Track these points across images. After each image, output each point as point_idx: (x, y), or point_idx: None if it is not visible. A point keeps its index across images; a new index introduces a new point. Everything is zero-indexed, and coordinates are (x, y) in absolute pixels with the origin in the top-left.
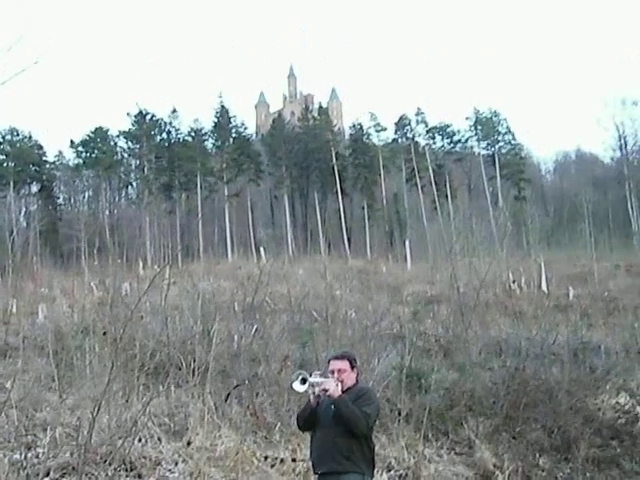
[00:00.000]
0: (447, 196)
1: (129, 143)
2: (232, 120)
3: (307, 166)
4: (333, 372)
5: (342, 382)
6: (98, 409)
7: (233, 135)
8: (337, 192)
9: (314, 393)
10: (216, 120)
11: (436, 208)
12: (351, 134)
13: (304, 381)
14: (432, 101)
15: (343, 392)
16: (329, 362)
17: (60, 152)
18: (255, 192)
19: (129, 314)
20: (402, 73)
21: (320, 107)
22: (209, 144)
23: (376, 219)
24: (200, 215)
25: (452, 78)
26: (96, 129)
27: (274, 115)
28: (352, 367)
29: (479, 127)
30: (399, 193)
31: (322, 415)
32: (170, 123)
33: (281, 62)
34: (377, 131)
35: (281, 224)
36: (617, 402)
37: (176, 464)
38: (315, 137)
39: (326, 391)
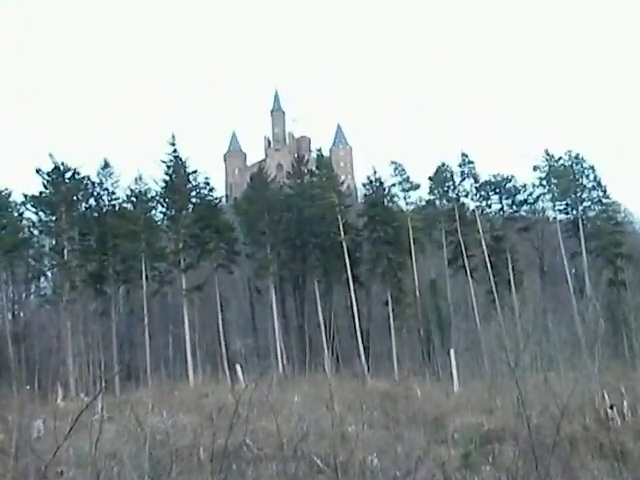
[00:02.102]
0: (509, 282)
1: (40, 213)
2: (191, 178)
3: (303, 244)
4: None
5: None
6: None
7: (193, 200)
8: (347, 281)
9: None
10: (167, 178)
11: (494, 300)
12: (366, 195)
13: None
14: (483, 144)
15: None
16: None
17: None
18: (227, 283)
19: (43, 468)
20: (438, 105)
21: (319, 155)
22: (158, 214)
23: (406, 319)
24: (147, 318)
25: (511, 110)
26: None
27: (252, 169)
28: None
29: (554, 180)
30: (439, 280)
31: None
32: (100, 184)
33: (262, 90)
34: (405, 190)
35: (266, 328)
36: None
37: None
38: (313, 200)
39: None
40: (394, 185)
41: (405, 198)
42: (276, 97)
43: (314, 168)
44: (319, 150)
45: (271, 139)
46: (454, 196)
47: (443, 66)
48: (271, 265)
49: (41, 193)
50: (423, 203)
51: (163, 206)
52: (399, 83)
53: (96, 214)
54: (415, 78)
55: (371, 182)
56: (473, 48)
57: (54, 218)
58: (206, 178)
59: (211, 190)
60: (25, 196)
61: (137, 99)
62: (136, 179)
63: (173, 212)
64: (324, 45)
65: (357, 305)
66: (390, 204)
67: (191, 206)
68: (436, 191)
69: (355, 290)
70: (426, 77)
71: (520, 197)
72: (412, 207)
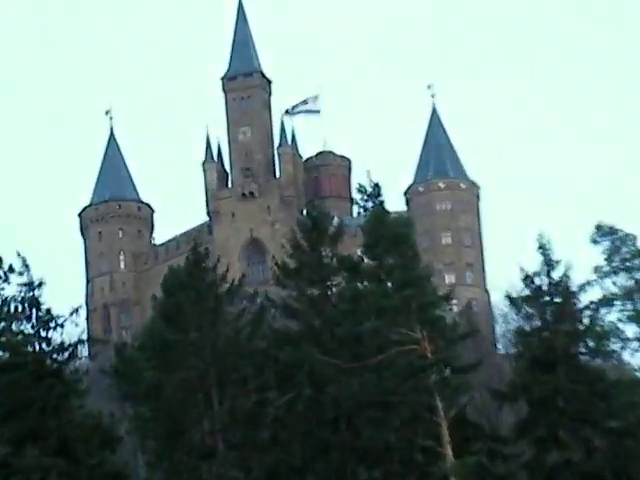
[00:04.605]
0: None
1: None
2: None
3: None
4: None
5: None
6: None
7: None
8: None
9: None
10: None
11: None
12: (524, 333)
13: None
14: None
15: None
16: None
17: None
18: None
19: None
20: None
21: (378, 209)
22: None
23: None
24: None
25: None
26: None
27: (174, 256)
28: None
29: None
30: None
31: None
32: None
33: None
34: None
35: None
36: None
37: None
38: (366, 353)
39: None
40: (612, 302)
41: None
42: (240, 18)
43: (360, 252)
44: (374, 194)
45: (226, 159)
46: None
47: None
48: None
49: None
50: None
51: None
52: None
53: None
54: None
55: (540, 293)
56: None
57: None
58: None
59: (51, 325)
60: None
61: None
62: None
63: None
64: None
65: None
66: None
67: None
68: None
69: None
70: None
71: None
72: None
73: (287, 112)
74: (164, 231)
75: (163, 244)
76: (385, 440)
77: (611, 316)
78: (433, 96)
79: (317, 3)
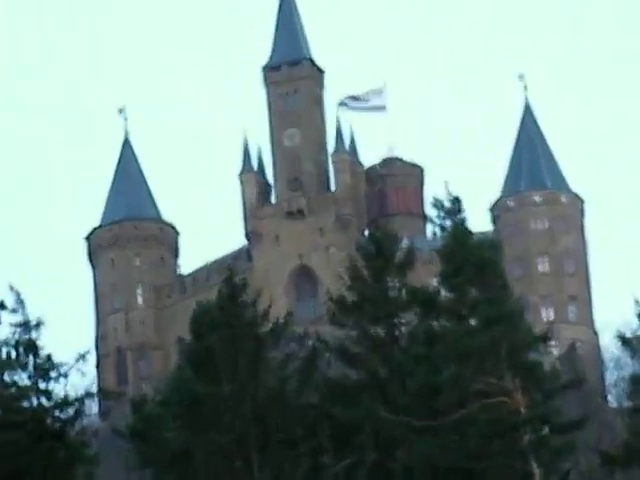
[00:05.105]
0: None
1: None
2: None
3: None
4: None
5: None
6: None
7: None
8: None
9: None
10: None
11: None
12: None
13: None
14: None
15: None
16: None
17: None
18: None
19: None
20: None
21: (459, 229)
22: None
23: None
24: None
25: None
26: None
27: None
28: None
29: None
30: None
31: None
32: None
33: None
34: None
35: None
36: None
37: None
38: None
39: None
40: None
41: None
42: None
43: (435, 283)
44: (454, 210)
45: (268, 169)
46: None
47: None
48: None
49: None
50: None
51: None
52: None
53: None
54: None
55: None
56: None
57: None
58: None
59: None
60: None
61: None
62: None
63: None
64: None
65: None
66: None
67: None
68: None
69: None
70: None
71: None
72: None
73: (342, 104)
74: (192, 258)
75: (190, 274)
76: None
77: None
78: (526, 88)
79: None
